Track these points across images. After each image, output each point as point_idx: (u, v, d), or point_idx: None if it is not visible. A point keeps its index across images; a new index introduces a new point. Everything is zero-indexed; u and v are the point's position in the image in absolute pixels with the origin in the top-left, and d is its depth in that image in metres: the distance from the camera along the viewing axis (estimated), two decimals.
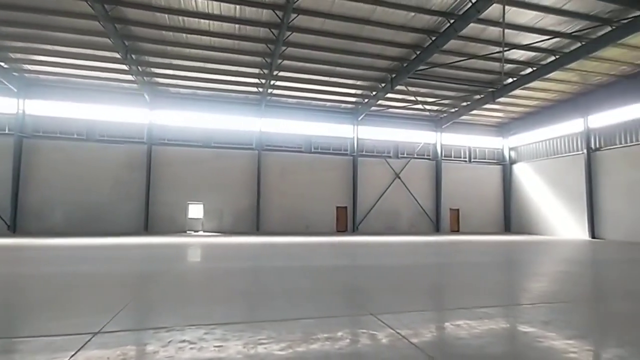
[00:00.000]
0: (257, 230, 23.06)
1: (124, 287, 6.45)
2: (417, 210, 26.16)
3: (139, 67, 18.44)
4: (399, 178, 25.88)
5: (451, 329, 4.34)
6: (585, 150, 22.01)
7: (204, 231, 22.50)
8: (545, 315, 4.95)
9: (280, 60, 17.51)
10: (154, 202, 21.96)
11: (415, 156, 26.56)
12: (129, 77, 19.46)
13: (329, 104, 23.91)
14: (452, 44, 16.04)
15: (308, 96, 22.53)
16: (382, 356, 3.41)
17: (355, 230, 24.59)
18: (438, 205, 26.37)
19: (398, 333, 4.06)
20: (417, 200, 26.11)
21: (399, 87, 20.56)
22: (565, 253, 13.66)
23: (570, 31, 14.95)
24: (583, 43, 15.62)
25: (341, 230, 24.65)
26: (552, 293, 6.53)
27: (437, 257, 11.71)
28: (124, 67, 18.09)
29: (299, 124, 24.87)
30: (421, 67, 17.89)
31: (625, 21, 13.61)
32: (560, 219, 23.79)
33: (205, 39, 16.06)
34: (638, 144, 19.36)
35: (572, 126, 23.21)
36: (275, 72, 18.76)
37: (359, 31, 15.39)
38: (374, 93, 21.63)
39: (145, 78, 19.80)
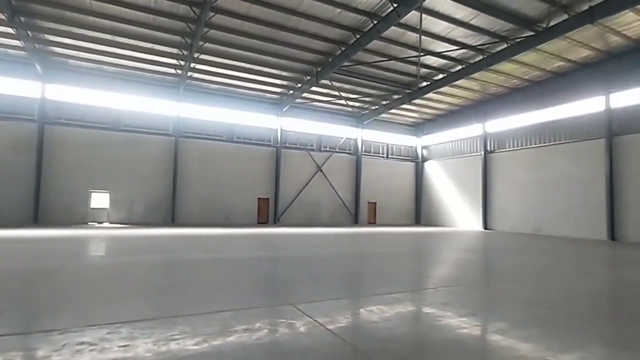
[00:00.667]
0: (173, 221, 21.65)
1: (2, 287, 5.53)
2: (337, 203, 27.11)
3: (28, 32, 15.76)
4: (321, 171, 26.50)
5: (365, 314, 4.58)
6: (482, 152, 25.01)
7: (110, 223, 20.39)
8: (445, 298, 5.52)
9: (202, 43, 16.50)
10: (48, 190, 19.16)
11: (337, 150, 27.42)
12: (16, 42, 16.57)
13: (253, 92, 23.34)
14: (375, 44, 16.80)
15: (231, 83, 21.67)
16: (299, 343, 3.46)
17: (276, 222, 24.59)
18: (357, 198, 27.66)
19: (315, 321, 4.16)
20: (337, 193, 27.04)
21: (324, 82, 20.91)
22: (463, 242, 15.40)
23: (475, 44, 16.73)
24: (485, 56, 17.62)
25: (263, 221, 24.44)
26: (451, 278, 7.31)
27: (354, 248, 12.28)
28: (10, 30, 15.33)
29: (221, 112, 23.80)
30: (346, 64, 18.43)
31: (518, 40, 15.71)
32: (461, 212, 26.74)
33: (114, 9, 14.35)
34: (523, 149, 22.61)
35: (473, 130, 26.10)
36: (196, 55, 17.62)
37: (285, 21, 15.23)
38: (299, 85, 21.71)
39: (36, 45, 17.02)
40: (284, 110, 24.75)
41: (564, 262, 9.84)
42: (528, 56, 17.47)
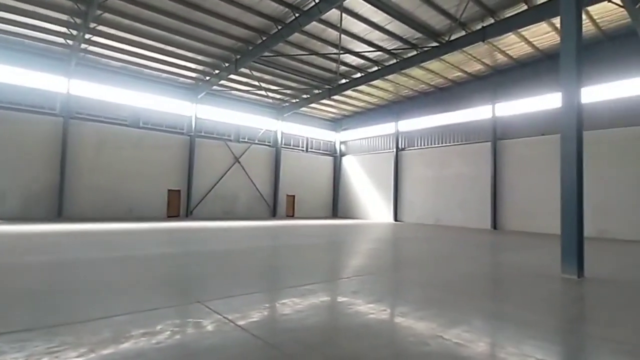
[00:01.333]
0: (60, 215, 18.81)
1: None
2: (255, 196, 26.65)
3: None
4: (239, 162, 25.75)
5: (277, 308, 4.54)
6: (395, 149, 26.86)
7: None
8: (356, 286, 5.77)
9: (100, 12, 14.48)
10: None
11: (257, 142, 26.89)
12: None
13: (164, 75, 21.52)
14: (297, 37, 16.78)
15: (138, 62, 19.59)
16: (206, 342, 3.27)
17: (189, 215, 23.22)
18: (276, 191, 27.53)
19: (225, 318, 3.99)
20: (255, 186, 26.57)
21: (243, 70, 20.24)
22: (375, 233, 16.35)
23: (390, 48, 17.77)
24: (398, 60, 18.85)
25: (173, 215, 22.86)
26: (363, 267, 7.69)
27: (271, 241, 12.19)
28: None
29: (126, 93, 21.41)
30: (267, 54, 18.07)
31: (426, 49, 17.12)
32: (375, 205, 28.42)
33: None
34: (429, 148, 24.86)
35: (387, 128, 27.84)
36: (92, 25, 15.43)
37: (201, 0, 14.26)
38: (216, 72, 20.65)
39: None
40: (200, 97, 23.36)
41: (456, 249, 11.08)
42: (434, 64, 19.15)
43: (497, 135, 20.72)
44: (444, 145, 23.75)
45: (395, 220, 26.20)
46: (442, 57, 17.71)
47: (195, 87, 23.11)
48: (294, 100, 26.07)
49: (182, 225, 17.34)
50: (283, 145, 28.30)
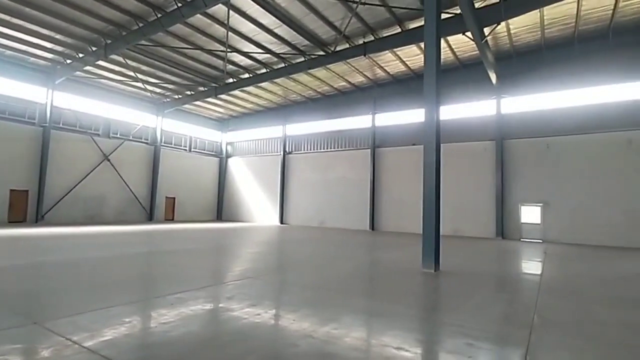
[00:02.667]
0: None
1: None
2: (128, 198, 23.76)
3: None
4: (109, 160, 22.63)
5: (138, 322, 4.06)
6: (282, 152, 27.20)
7: None
8: (231, 292, 5.56)
9: None
10: None
11: (132, 138, 24.05)
12: None
13: (7, 52, 17.62)
14: (181, 29, 15.61)
15: None
16: None
17: (39, 220, 19.37)
18: (153, 192, 25.02)
19: (68, 339, 3.38)
20: (129, 187, 23.70)
21: (116, 58, 17.93)
22: (259, 237, 16.23)
23: (279, 52, 17.96)
24: (286, 65, 19.18)
25: (17, 220, 18.75)
26: (241, 272, 7.49)
27: (144, 247, 10.99)
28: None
29: None
30: (145, 43, 16.35)
31: (313, 57, 17.84)
32: (261, 208, 28.20)
33: None
34: (315, 152, 25.86)
35: (275, 131, 27.98)
36: None
37: None
38: (81, 55, 17.77)
39: None
40: (58, 82, 19.78)
41: (337, 249, 11.75)
42: (320, 72, 20.10)
43: (375, 144, 22.80)
44: (329, 150, 25.05)
45: (282, 222, 26.53)
46: (328, 66, 18.69)
47: (52, 71, 19.50)
48: (176, 96, 24.24)
49: (29, 232, 14.29)
50: (163, 144, 25.98)
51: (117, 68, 19.47)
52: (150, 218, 24.76)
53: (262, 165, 28.44)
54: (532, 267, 9.36)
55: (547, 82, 17.37)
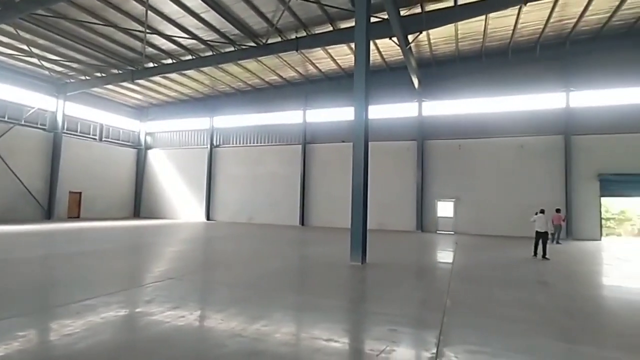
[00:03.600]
0: None
1: None
2: (19, 192, 20.41)
3: None
4: None
5: (34, 335, 3.46)
6: (209, 145, 25.85)
7: None
8: (151, 295, 5.06)
9: None
10: None
11: (24, 123, 20.69)
12: None
13: None
14: (90, 1, 13.83)
15: None
16: None
17: None
18: (53, 186, 21.87)
19: None
20: (20, 180, 20.38)
21: (5, 27, 15.27)
22: (183, 234, 15.26)
23: (206, 39, 16.93)
24: (214, 53, 18.19)
25: None
26: (162, 272, 6.90)
27: (42, 249, 9.57)
28: None
29: None
30: (42, 13, 14.14)
31: (244, 47, 17.19)
32: (185, 204, 26.47)
33: None
34: (244, 146, 25.00)
35: (202, 123, 26.42)
36: None
37: None
38: None
39: None
40: None
41: (266, 246, 11.52)
42: (251, 64, 19.50)
43: (306, 139, 22.86)
44: (259, 144, 24.47)
45: (208, 219, 25.30)
46: (259, 59, 18.23)
47: None
48: (82, 77, 21.49)
49: None
50: (66, 131, 22.76)
51: (5, 39, 16.62)
52: (48, 216, 21.66)
53: (187, 158, 26.72)
54: (445, 256, 10.22)
55: (462, 90, 19.15)
